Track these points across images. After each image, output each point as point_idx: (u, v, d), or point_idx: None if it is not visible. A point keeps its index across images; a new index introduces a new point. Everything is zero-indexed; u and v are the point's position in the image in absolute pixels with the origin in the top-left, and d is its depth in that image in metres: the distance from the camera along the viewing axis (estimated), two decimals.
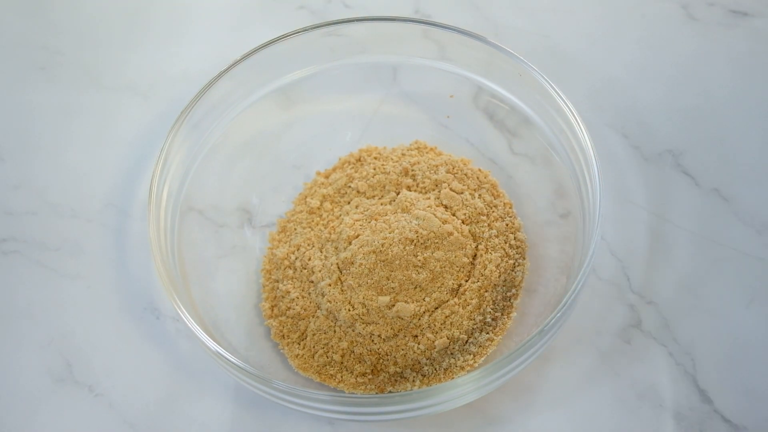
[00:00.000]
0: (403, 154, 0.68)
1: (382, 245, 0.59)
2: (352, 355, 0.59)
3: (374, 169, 0.67)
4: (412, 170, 0.66)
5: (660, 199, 0.67)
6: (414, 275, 0.59)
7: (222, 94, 0.68)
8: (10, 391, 0.62)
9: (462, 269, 0.61)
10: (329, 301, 0.60)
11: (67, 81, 0.79)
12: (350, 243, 0.61)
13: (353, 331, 0.59)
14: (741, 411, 0.58)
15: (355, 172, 0.67)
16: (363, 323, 0.59)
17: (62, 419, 0.61)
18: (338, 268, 0.61)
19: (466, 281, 0.60)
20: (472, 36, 0.66)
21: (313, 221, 0.66)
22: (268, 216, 0.68)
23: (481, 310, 0.60)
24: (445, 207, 0.63)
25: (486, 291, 0.60)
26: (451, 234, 0.60)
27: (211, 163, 0.69)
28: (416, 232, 0.59)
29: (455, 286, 0.60)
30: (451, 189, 0.64)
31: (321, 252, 0.63)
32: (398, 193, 0.65)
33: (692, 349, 0.61)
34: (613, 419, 0.58)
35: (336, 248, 0.62)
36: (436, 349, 0.59)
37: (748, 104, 0.72)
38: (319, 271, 0.62)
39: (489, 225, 0.63)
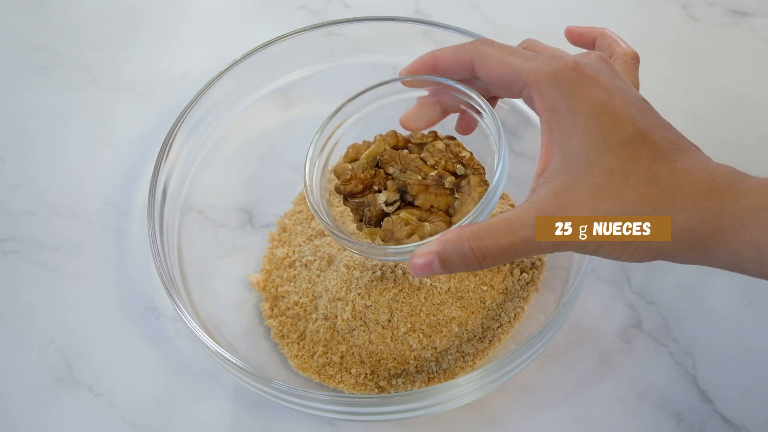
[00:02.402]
0: None
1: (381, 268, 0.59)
2: (351, 356, 0.59)
3: None
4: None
5: None
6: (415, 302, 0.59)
7: (222, 94, 0.68)
8: (10, 391, 0.62)
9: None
10: (326, 308, 0.60)
11: (66, 81, 0.79)
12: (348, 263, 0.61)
13: (352, 337, 0.59)
14: (741, 411, 0.58)
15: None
16: (361, 331, 0.59)
17: (62, 419, 0.61)
18: (337, 277, 0.60)
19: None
20: (472, 36, 0.66)
21: (312, 222, 0.66)
22: (268, 216, 0.68)
23: (484, 312, 0.60)
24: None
25: (489, 296, 0.60)
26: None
27: (211, 163, 0.69)
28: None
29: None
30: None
31: (318, 259, 0.63)
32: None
33: (692, 349, 0.61)
34: (613, 419, 0.58)
35: (332, 262, 0.62)
36: (436, 350, 0.59)
37: (748, 104, 0.72)
38: (317, 276, 0.62)
39: None
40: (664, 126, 0.46)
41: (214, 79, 0.66)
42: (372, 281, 0.58)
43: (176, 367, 0.62)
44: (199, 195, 0.67)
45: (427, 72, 0.52)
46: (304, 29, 0.69)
